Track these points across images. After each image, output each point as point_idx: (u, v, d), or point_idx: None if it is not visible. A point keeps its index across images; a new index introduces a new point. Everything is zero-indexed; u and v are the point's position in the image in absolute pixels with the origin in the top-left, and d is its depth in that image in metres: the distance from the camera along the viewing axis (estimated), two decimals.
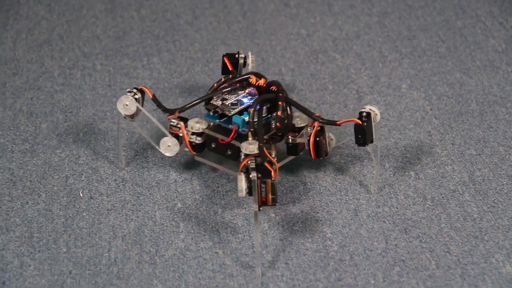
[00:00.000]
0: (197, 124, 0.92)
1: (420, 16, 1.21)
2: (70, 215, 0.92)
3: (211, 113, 0.93)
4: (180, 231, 0.90)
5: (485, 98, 1.07)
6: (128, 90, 0.93)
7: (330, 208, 0.92)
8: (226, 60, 0.98)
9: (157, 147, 0.93)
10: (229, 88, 0.94)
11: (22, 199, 0.94)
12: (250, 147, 0.88)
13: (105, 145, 1.01)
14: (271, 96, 0.92)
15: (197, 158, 0.94)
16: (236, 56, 0.98)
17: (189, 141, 0.92)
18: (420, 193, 0.93)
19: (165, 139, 0.92)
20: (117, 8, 1.23)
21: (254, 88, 0.94)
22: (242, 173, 0.83)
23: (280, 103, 0.91)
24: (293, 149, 0.93)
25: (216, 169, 0.96)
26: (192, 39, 1.18)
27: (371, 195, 0.93)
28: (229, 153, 0.91)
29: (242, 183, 0.82)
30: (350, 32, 1.19)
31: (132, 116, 0.93)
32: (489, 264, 0.85)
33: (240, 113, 0.92)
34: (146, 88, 0.93)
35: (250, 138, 0.89)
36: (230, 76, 0.95)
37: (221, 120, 0.92)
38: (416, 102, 1.06)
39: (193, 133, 0.92)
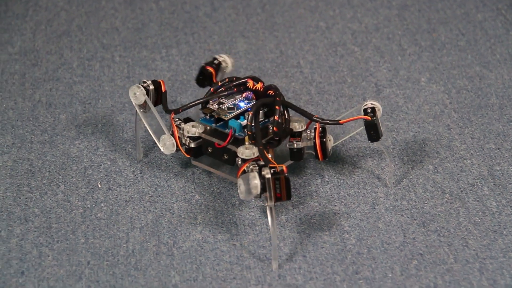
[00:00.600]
0: (193, 128, 0.91)
1: (440, 9, 1.20)
2: (89, 206, 0.92)
3: (207, 117, 0.92)
4: (198, 223, 0.90)
5: (505, 92, 1.06)
6: (143, 80, 0.93)
7: (348, 201, 0.92)
8: (211, 70, 0.96)
9: (156, 142, 0.92)
10: (226, 92, 0.93)
11: (41, 189, 0.94)
12: (246, 151, 0.88)
13: (123, 137, 1.01)
14: (270, 100, 0.91)
15: (194, 163, 0.94)
16: (215, 61, 0.97)
17: (184, 145, 0.92)
18: (439, 186, 0.93)
19: (163, 136, 0.92)
20: (136, 0, 1.23)
21: (251, 92, 0.93)
22: (255, 172, 0.83)
23: (277, 107, 0.90)
24: (298, 154, 0.92)
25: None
26: (211, 31, 1.18)
27: (389, 189, 0.93)
28: (225, 157, 0.91)
29: (256, 181, 0.82)
30: (369, 25, 1.18)
31: (143, 107, 0.93)
32: (507, 259, 0.85)
33: (237, 117, 0.91)
34: (162, 81, 0.93)
35: (246, 143, 0.89)
36: (227, 80, 0.94)
37: (218, 125, 0.91)
38: (435, 96, 1.06)
39: (188, 137, 0.92)
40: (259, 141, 0.88)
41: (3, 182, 0.95)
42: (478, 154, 0.97)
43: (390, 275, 0.84)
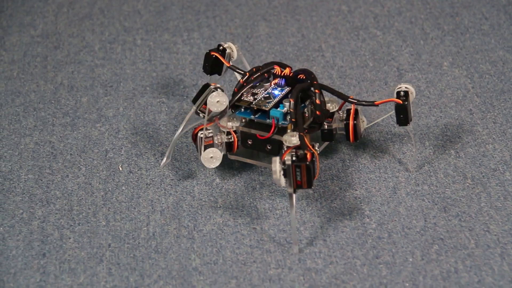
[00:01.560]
0: (230, 123, 0.90)
1: None
2: (110, 188, 0.92)
3: (242, 110, 0.90)
4: (218, 206, 0.90)
5: None
6: (212, 88, 0.89)
7: (368, 186, 0.92)
8: (218, 56, 0.94)
9: (201, 161, 0.90)
10: (257, 82, 0.92)
11: (62, 172, 0.94)
12: (292, 139, 0.87)
13: (144, 120, 1.01)
14: (307, 84, 0.91)
15: (232, 157, 0.92)
16: (221, 48, 0.95)
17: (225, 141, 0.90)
18: (460, 171, 0.93)
19: (205, 152, 0.89)
20: None
21: (280, 79, 0.92)
22: (277, 157, 0.82)
23: (317, 91, 0.90)
24: (329, 134, 0.92)
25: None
26: (233, 14, 1.18)
27: (410, 173, 0.93)
28: (269, 148, 0.89)
29: (276, 166, 0.82)
30: (391, 8, 1.17)
31: (214, 116, 0.90)
32: None
33: (275, 106, 0.90)
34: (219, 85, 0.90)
35: (289, 130, 0.88)
36: (254, 69, 0.93)
37: (256, 116, 0.90)
38: (457, 80, 1.05)
39: (227, 133, 0.90)
40: (301, 128, 0.87)
41: (25, 164, 0.95)
42: (501, 139, 0.97)
43: (410, 259, 0.84)
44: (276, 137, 0.89)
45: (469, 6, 1.17)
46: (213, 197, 0.91)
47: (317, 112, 0.89)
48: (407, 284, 0.82)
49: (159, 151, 0.97)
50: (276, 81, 0.92)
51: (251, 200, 0.91)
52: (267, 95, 0.91)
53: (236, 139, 0.90)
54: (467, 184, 0.91)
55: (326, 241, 0.86)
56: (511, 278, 0.82)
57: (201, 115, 0.90)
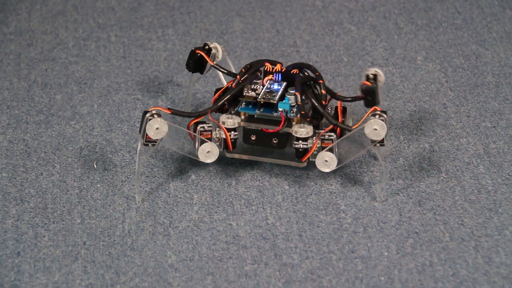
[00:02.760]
0: (230, 120, 0.89)
1: None
2: (85, 186, 0.92)
3: (243, 105, 0.89)
4: (194, 202, 0.90)
5: (501, 70, 1.06)
6: (148, 114, 0.86)
7: (344, 181, 0.92)
8: (203, 54, 0.94)
9: (194, 157, 0.89)
10: (253, 78, 0.91)
11: (36, 170, 0.94)
12: (302, 130, 0.87)
13: (119, 117, 1.01)
14: (307, 77, 0.91)
15: (230, 155, 0.91)
16: (207, 47, 0.95)
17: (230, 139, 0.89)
18: (435, 165, 0.93)
19: (203, 146, 0.88)
20: None
21: (276, 74, 0.91)
22: (374, 118, 0.84)
23: (321, 81, 0.90)
24: (303, 153, 0.90)
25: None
26: (207, 10, 1.18)
27: (385, 168, 0.93)
28: (275, 142, 0.89)
29: (382, 125, 0.84)
30: (365, 3, 1.18)
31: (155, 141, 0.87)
32: (503, 237, 0.85)
33: (280, 99, 0.89)
34: (160, 107, 0.87)
35: (294, 122, 0.88)
36: (248, 65, 0.92)
37: (262, 110, 0.89)
38: (431, 74, 1.06)
39: (227, 130, 0.89)
40: (331, 119, 0.87)
41: None
42: (474, 133, 0.97)
43: (386, 253, 0.84)
44: (284, 129, 0.88)
45: (442, 1, 1.17)
46: (188, 194, 0.91)
47: (323, 102, 0.89)
48: (383, 278, 0.82)
49: (133, 148, 0.96)
50: (271, 77, 0.92)
51: (226, 196, 0.91)
52: (268, 90, 0.90)
53: (228, 137, 0.89)
54: (442, 178, 0.92)
55: (302, 236, 0.86)
56: (485, 270, 0.82)
57: (150, 145, 0.87)
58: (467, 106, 1.01)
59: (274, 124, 0.89)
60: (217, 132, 0.89)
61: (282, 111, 0.88)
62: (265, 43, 1.12)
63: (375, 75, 0.90)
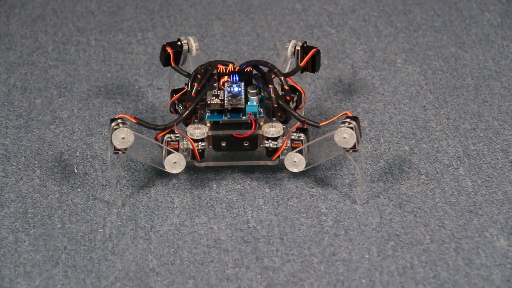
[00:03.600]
0: (197, 130, 0.87)
1: None
2: (65, 191, 0.92)
3: (208, 113, 0.88)
4: (175, 206, 0.90)
5: (480, 73, 1.06)
6: (114, 123, 0.86)
7: (325, 183, 0.92)
8: (169, 50, 0.94)
9: (161, 168, 0.88)
10: (212, 84, 0.90)
11: (16, 174, 0.93)
12: (272, 130, 0.87)
13: (99, 121, 1.00)
14: (265, 71, 0.91)
15: (199, 164, 0.90)
16: (178, 43, 0.95)
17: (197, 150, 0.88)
18: (415, 167, 0.94)
19: (169, 157, 0.87)
20: None
21: (233, 76, 0.91)
22: (344, 126, 0.85)
23: (279, 76, 0.91)
24: (273, 152, 0.90)
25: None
26: (187, 14, 1.17)
27: (365, 170, 0.93)
28: (246, 144, 0.88)
29: (352, 133, 0.84)
30: (345, 6, 1.18)
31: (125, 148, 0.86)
32: (483, 238, 0.85)
33: (245, 101, 0.89)
34: (127, 115, 0.87)
35: (262, 123, 0.88)
36: (202, 69, 0.91)
37: (230, 116, 0.88)
38: (411, 77, 1.06)
39: (195, 141, 0.88)
40: (298, 116, 0.88)
41: None
42: (454, 135, 0.98)
43: (367, 256, 0.84)
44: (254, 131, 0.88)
45: (421, 3, 1.18)
46: (169, 198, 0.91)
47: (287, 97, 0.90)
48: (364, 281, 0.82)
49: None
50: (227, 79, 0.91)
51: (207, 199, 0.91)
52: (230, 94, 0.90)
53: (196, 148, 0.88)
54: (422, 180, 0.92)
55: (283, 239, 0.86)
56: (465, 272, 0.83)
57: (120, 153, 0.86)
58: (447, 108, 1.01)
59: (242, 127, 0.88)
60: (184, 142, 0.88)
61: (251, 114, 0.88)
62: (245, 46, 1.12)
63: (305, 43, 0.94)
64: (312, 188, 0.91)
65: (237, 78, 0.91)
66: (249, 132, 0.88)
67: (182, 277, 0.83)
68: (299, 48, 0.95)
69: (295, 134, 0.88)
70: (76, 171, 0.94)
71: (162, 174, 0.93)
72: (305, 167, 0.88)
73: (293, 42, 0.95)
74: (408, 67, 1.08)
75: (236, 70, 0.91)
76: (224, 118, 0.88)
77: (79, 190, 0.92)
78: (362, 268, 0.83)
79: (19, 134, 0.99)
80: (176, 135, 0.88)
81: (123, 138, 0.86)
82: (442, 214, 0.88)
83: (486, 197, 0.90)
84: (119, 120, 0.86)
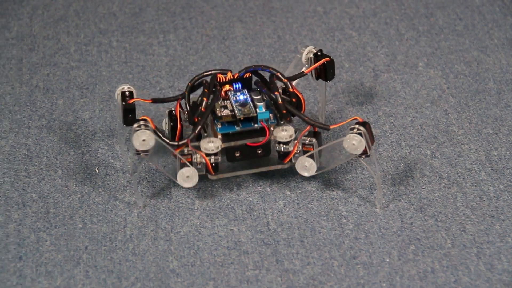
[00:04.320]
0: (211, 144, 0.87)
1: None
2: (86, 191, 0.92)
3: (220, 125, 0.88)
4: (196, 208, 0.90)
5: (502, 77, 1.06)
6: (136, 124, 0.86)
7: (345, 186, 0.92)
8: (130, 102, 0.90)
9: (174, 179, 0.88)
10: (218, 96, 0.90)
11: (38, 174, 0.94)
12: (284, 134, 0.87)
13: (120, 122, 1.01)
14: (263, 79, 0.91)
15: (212, 177, 0.89)
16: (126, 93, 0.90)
17: (211, 164, 0.87)
18: (436, 171, 0.93)
19: (183, 170, 0.87)
20: None
21: (235, 84, 0.90)
22: (353, 132, 0.85)
23: (278, 73, 0.91)
24: (284, 155, 0.89)
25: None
26: (208, 16, 1.18)
27: (386, 173, 0.93)
28: (259, 151, 0.88)
29: (360, 140, 0.84)
30: (367, 9, 1.18)
31: (147, 151, 0.86)
32: (505, 243, 0.85)
33: (255, 108, 0.89)
34: (149, 118, 0.87)
35: (272, 128, 0.88)
36: (205, 83, 0.90)
37: (242, 126, 0.88)
38: (433, 81, 1.06)
39: (208, 155, 0.87)
40: (307, 120, 0.88)
41: (1, 167, 0.95)
42: (476, 139, 0.97)
43: (387, 260, 0.84)
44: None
45: (443, 7, 1.18)
46: (190, 199, 0.91)
47: (293, 100, 0.90)
48: (384, 285, 0.82)
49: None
50: (228, 87, 0.90)
51: (228, 201, 0.91)
52: (238, 103, 0.89)
53: (209, 163, 0.87)
54: (443, 184, 0.92)
55: (304, 242, 0.86)
56: (487, 277, 0.82)
57: (141, 155, 0.86)
58: (469, 112, 1.01)
59: (255, 135, 0.88)
60: (197, 156, 0.88)
61: (263, 121, 0.88)
62: (266, 48, 1.12)
63: (320, 51, 0.94)
64: (333, 191, 0.91)
65: (240, 86, 0.91)
66: (264, 140, 0.88)
67: (202, 278, 0.83)
68: (311, 55, 0.94)
69: (306, 138, 0.88)
70: (97, 171, 0.94)
71: None
72: (317, 171, 0.88)
73: (309, 48, 0.95)
74: (430, 70, 1.07)
75: (235, 77, 0.91)
76: (237, 128, 0.88)
77: (100, 190, 0.92)
78: (383, 272, 0.83)
79: (41, 134, 0.99)
80: (189, 149, 0.88)
81: (143, 140, 0.86)
82: (463, 218, 0.88)
83: (508, 202, 0.89)
84: (141, 122, 0.86)
